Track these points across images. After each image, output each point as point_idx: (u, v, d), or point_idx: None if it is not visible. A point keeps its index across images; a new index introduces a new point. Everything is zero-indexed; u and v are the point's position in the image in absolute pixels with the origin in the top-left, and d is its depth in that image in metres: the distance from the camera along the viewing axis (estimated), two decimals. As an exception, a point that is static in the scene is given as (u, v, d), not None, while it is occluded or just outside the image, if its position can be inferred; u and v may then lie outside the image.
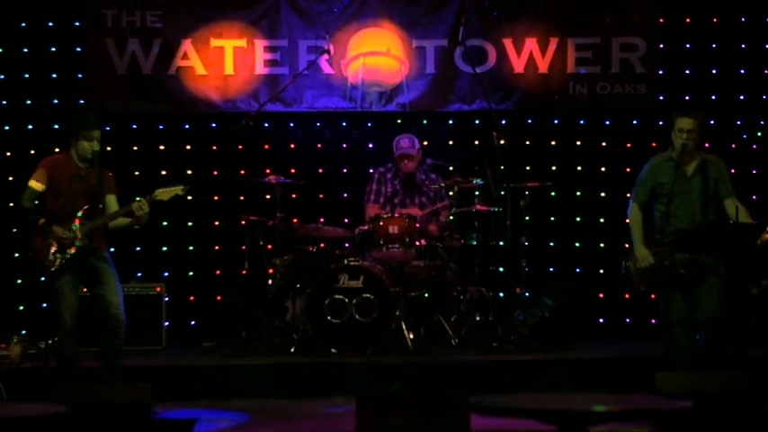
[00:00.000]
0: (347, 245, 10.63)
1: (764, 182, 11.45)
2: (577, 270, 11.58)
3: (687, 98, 11.48)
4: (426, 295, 10.20)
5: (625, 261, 8.50)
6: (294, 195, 11.12)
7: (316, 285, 9.68)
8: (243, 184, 10.90)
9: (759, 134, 11.57)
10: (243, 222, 10.15)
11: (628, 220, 8.53)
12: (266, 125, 11.48)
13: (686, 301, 8.25)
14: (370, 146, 11.63)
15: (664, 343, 8.47)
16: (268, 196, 10.59)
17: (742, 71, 11.67)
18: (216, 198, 11.42)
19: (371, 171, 10.89)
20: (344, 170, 11.63)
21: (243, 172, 11.13)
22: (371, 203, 10.59)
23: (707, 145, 8.34)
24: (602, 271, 11.48)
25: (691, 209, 8.30)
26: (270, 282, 9.97)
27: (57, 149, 9.76)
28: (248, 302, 10.11)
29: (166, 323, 10.63)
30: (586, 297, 11.23)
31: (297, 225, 10.29)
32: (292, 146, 11.60)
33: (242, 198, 11.14)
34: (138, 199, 8.16)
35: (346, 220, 11.12)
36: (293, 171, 11.23)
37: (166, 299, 10.68)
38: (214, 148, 11.46)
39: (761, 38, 11.63)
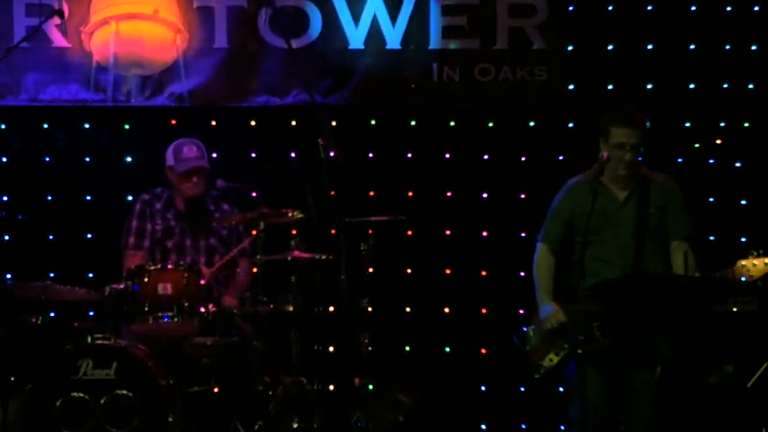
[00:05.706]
0: (92, 313, 9.24)
1: (727, 209, 9.92)
2: (447, 349, 9.89)
3: (609, 87, 9.89)
4: (217, 390, 8.55)
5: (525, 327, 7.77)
6: (6, 237, 9.72)
7: (41, 377, 8.18)
8: None
9: (718, 142, 9.96)
10: None
11: (534, 268, 7.77)
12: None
13: (605, 384, 7.37)
14: (128, 160, 9.94)
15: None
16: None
17: (691, 47, 9.87)
18: None
19: (131, 199, 9.35)
20: (87, 197, 9.93)
21: None
22: (131, 250, 8.96)
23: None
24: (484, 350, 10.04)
25: (621, 251, 7.47)
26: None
27: None
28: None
29: None
30: (463, 387, 9.86)
31: (12, 284, 8.83)
32: (3, 160, 9.93)
33: None
34: None
35: (91, 275, 9.57)
36: (4, 199, 9.79)
37: None
38: None
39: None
